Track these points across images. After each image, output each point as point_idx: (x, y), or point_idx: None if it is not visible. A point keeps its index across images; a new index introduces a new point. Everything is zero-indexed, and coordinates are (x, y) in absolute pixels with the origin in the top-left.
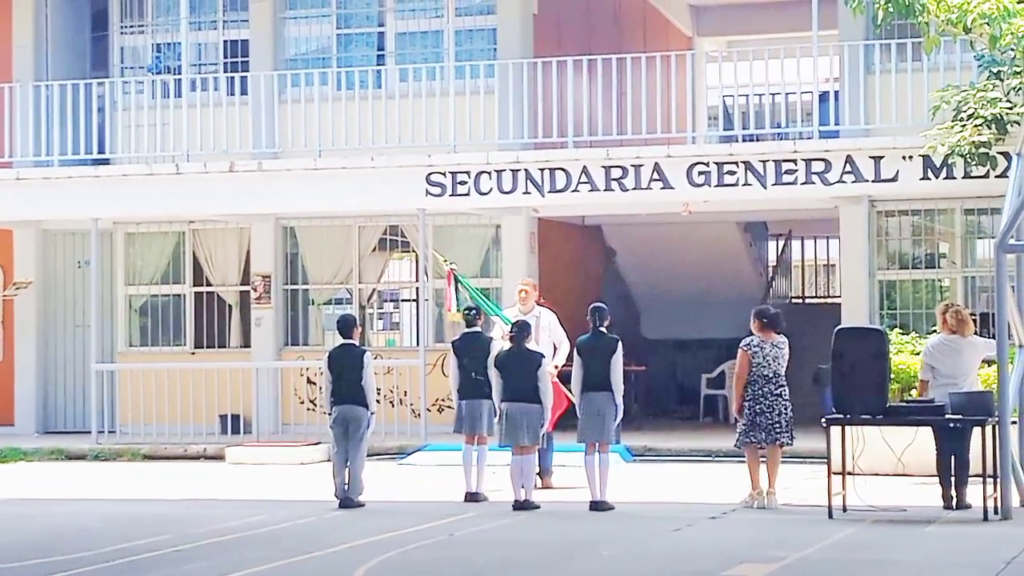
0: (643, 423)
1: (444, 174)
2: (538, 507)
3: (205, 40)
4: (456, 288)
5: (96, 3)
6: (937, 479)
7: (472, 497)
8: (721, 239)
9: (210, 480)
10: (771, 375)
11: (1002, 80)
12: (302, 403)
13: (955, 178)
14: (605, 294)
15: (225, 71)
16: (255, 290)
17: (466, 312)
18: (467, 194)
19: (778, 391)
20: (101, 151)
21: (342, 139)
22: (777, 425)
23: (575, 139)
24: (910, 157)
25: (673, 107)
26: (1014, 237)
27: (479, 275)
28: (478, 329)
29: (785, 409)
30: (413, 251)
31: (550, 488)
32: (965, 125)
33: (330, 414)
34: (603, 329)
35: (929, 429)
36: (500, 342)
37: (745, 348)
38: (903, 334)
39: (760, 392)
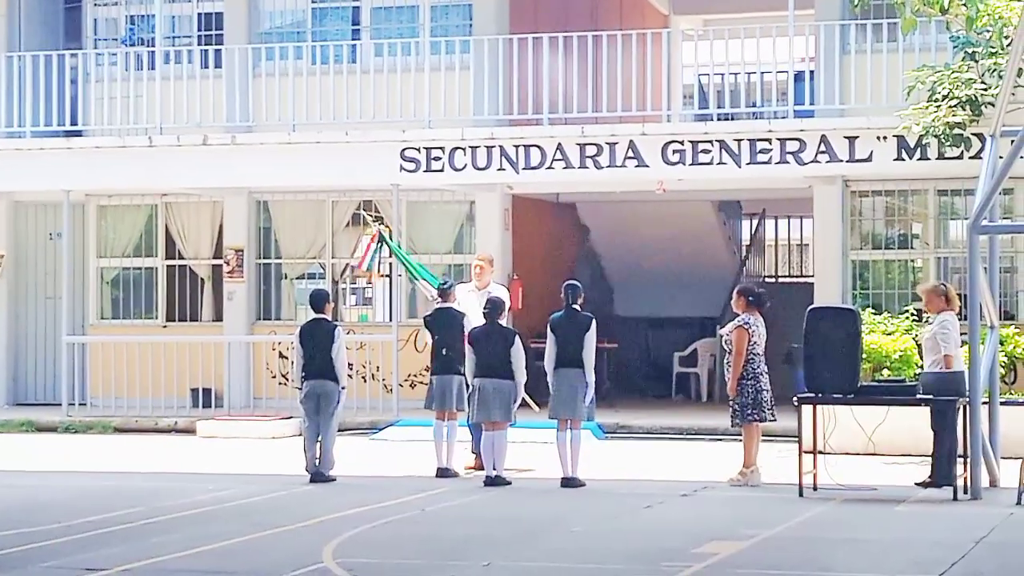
0: (615, 400)
1: (418, 150)
2: (510, 483)
3: (179, 12)
4: (379, 249)
5: None
6: (923, 459)
7: (443, 473)
8: (695, 217)
9: (181, 454)
10: (761, 353)
11: (977, 61)
12: (274, 377)
13: (929, 159)
14: (579, 271)
15: (199, 44)
16: (227, 264)
17: (441, 286)
18: (441, 170)
19: (766, 369)
20: (74, 123)
21: (316, 113)
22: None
23: (550, 116)
24: (884, 137)
25: (648, 85)
26: (987, 218)
27: (452, 251)
28: (450, 304)
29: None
30: (387, 226)
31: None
32: (940, 106)
33: (301, 389)
34: (577, 306)
35: (898, 409)
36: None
37: (746, 326)
38: (875, 314)
39: (758, 370)
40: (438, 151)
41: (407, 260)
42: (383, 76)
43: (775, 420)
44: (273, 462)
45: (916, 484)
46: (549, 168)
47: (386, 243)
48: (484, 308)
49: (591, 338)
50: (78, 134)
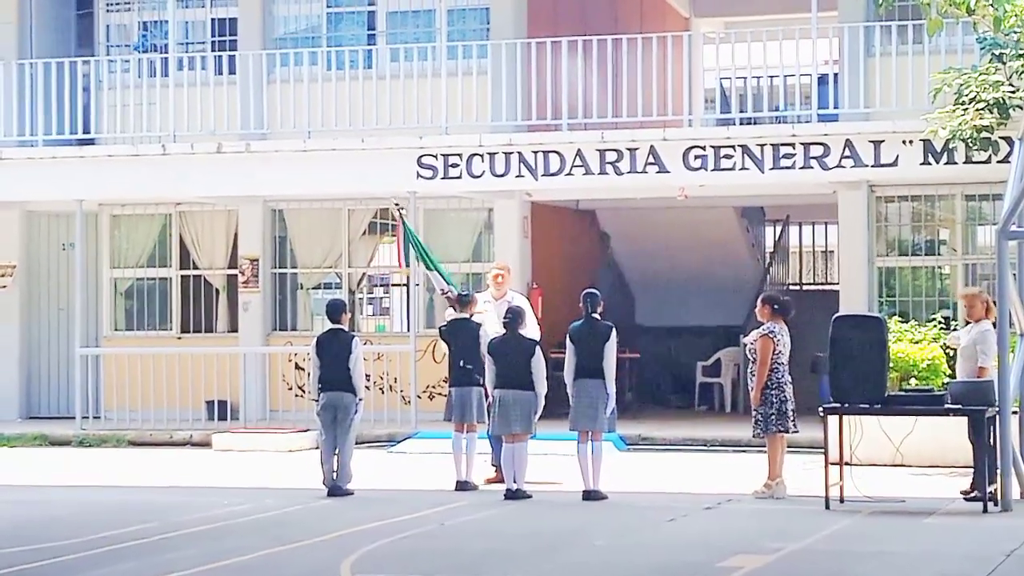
0: (637, 411)
1: (436, 156)
2: (530, 496)
3: (193, 18)
4: (407, 237)
5: None
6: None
7: (462, 486)
8: (717, 224)
9: (196, 467)
10: (786, 362)
11: (1004, 63)
12: (290, 389)
13: (956, 163)
14: (599, 280)
15: (213, 50)
16: (243, 274)
17: (461, 296)
18: (459, 177)
19: (790, 379)
20: (86, 131)
21: (332, 120)
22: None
23: (569, 121)
24: (910, 141)
25: (669, 89)
26: (1016, 223)
27: (470, 260)
28: (466, 315)
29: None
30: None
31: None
32: (967, 109)
33: (318, 401)
34: (596, 315)
35: (927, 420)
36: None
37: (771, 335)
38: (902, 322)
39: (783, 379)
40: (456, 158)
41: (423, 248)
42: (399, 82)
43: (797, 431)
44: (289, 475)
45: (961, 493)
46: (568, 174)
47: (406, 228)
48: (504, 317)
49: (611, 348)
50: (91, 142)
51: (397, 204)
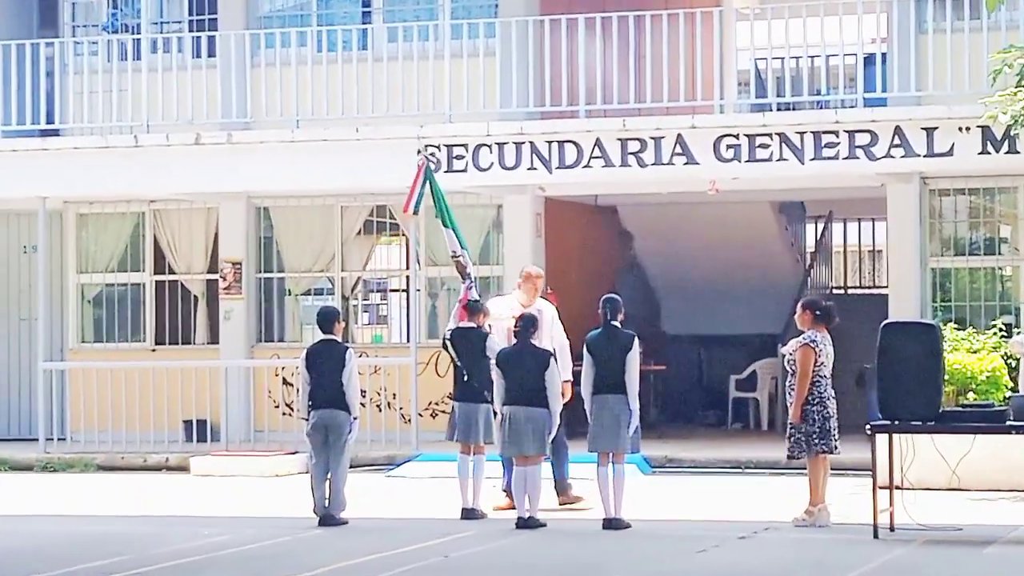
0: (663, 430)
1: (438, 147)
2: (544, 525)
3: None
4: (424, 185)
5: None
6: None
7: (469, 514)
8: (752, 222)
9: (173, 494)
10: (828, 375)
11: None
12: (277, 407)
13: (1018, 152)
14: (620, 284)
15: (190, 30)
16: (224, 279)
17: (469, 303)
18: (464, 170)
19: (834, 393)
20: (50, 121)
21: (323, 108)
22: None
23: (587, 108)
24: (967, 128)
25: (698, 72)
26: None
27: (477, 262)
28: (474, 324)
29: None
30: (403, 235)
31: (570, 505)
32: None
33: (308, 420)
34: (617, 323)
35: (986, 438)
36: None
37: (812, 345)
38: (959, 329)
39: (825, 394)
40: (460, 149)
41: (443, 200)
42: (397, 64)
43: (839, 452)
44: (277, 503)
45: None
46: (586, 167)
47: (430, 180)
48: (515, 326)
49: (634, 359)
50: (55, 133)
51: (428, 147)
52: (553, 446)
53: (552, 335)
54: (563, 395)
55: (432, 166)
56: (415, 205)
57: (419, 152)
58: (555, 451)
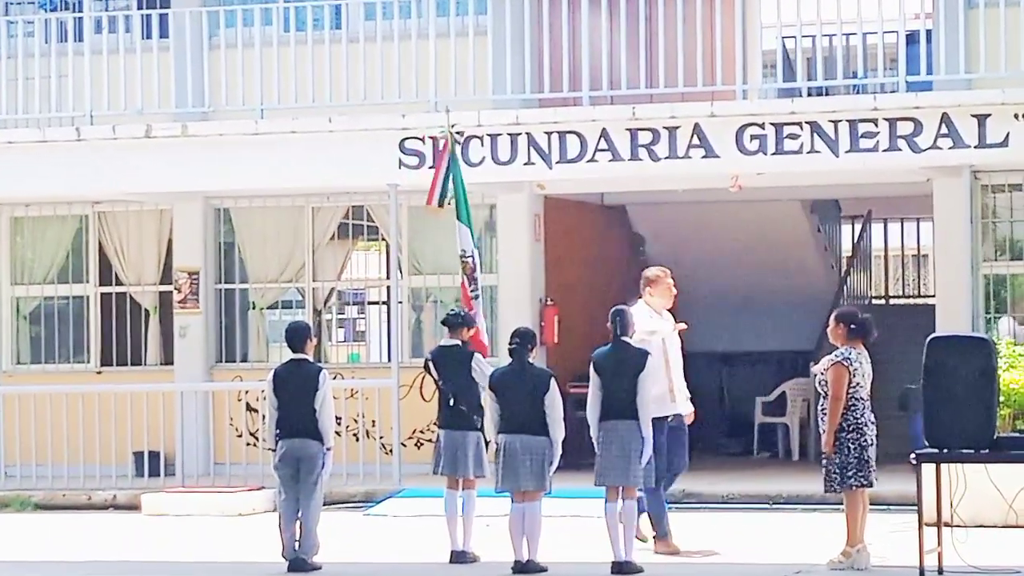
0: None
1: (423, 140)
2: (544, 570)
3: None
4: (448, 171)
5: None
6: None
7: (459, 557)
8: (780, 223)
9: (122, 536)
10: (866, 397)
11: None
12: (240, 436)
13: None
14: (631, 294)
15: (139, 8)
16: (179, 291)
17: (449, 313)
18: None
19: (873, 418)
20: None
21: (291, 95)
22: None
23: (592, 94)
24: (1023, 115)
25: (718, 52)
26: None
27: None
28: (458, 342)
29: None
30: (383, 239)
31: (672, 551)
32: None
33: (275, 451)
34: (628, 339)
35: None
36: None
37: (845, 363)
38: (1016, 344)
39: (863, 419)
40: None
41: (465, 199)
42: (376, 46)
43: (872, 485)
44: (240, 546)
45: None
46: (591, 161)
47: (452, 159)
48: (511, 342)
49: (647, 380)
50: None
51: (454, 126)
52: (672, 481)
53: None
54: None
55: (458, 144)
56: (440, 196)
57: (440, 131)
58: (650, 490)
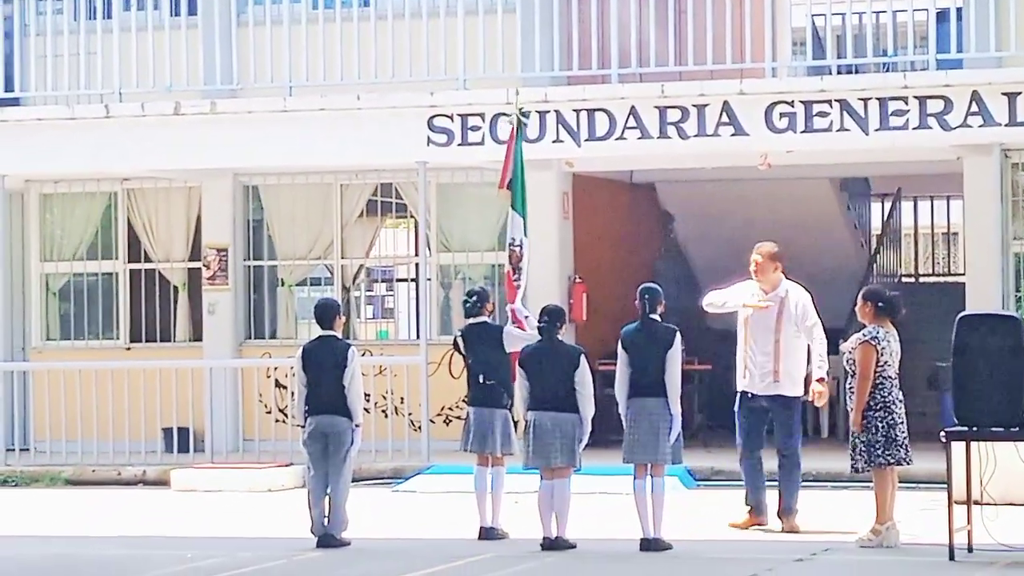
0: (708, 438)
1: (451, 118)
2: (573, 547)
3: None
4: (516, 157)
5: None
6: None
7: (488, 533)
8: (809, 201)
9: (151, 511)
10: (894, 375)
11: None
12: (269, 413)
13: None
14: (659, 272)
15: None
16: (208, 267)
17: (465, 300)
18: (481, 143)
19: (901, 396)
20: (9, 88)
21: (319, 73)
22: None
23: (620, 71)
24: None
25: (747, 30)
26: None
27: (496, 247)
28: (484, 319)
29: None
30: (411, 216)
31: (794, 531)
32: None
33: (304, 427)
34: (656, 317)
35: None
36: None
37: (873, 342)
38: None
39: (890, 397)
40: (476, 119)
41: (523, 185)
42: (404, 23)
43: (910, 463)
44: (269, 522)
45: None
46: (620, 139)
47: (519, 143)
48: (540, 320)
49: (675, 358)
50: (15, 103)
51: (522, 109)
52: (788, 462)
53: (802, 320)
54: (819, 397)
55: (525, 124)
56: (513, 173)
57: (521, 111)
58: (788, 468)
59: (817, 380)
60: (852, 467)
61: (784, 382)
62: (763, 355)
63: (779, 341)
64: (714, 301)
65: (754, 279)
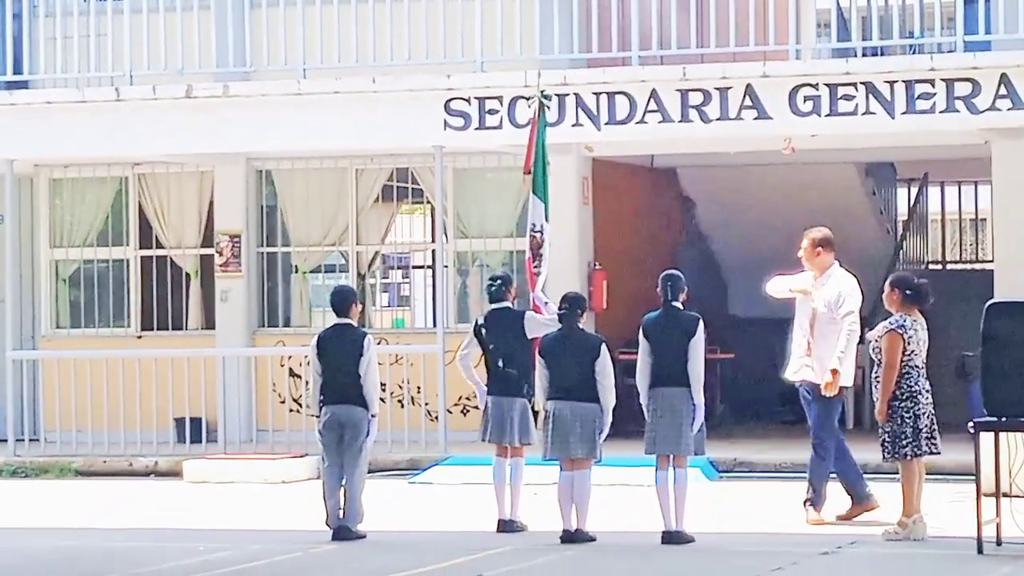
0: (732, 428)
1: (468, 101)
2: (593, 539)
3: None
4: (539, 139)
5: None
6: None
7: (506, 526)
8: (834, 186)
9: (163, 503)
10: (921, 365)
11: None
12: (283, 403)
13: None
14: (681, 258)
15: None
16: (220, 254)
17: (489, 284)
18: (499, 127)
19: (929, 386)
20: (18, 71)
21: (333, 55)
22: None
23: (641, 54)
24: None
25: (771, 11)
26: None
27: (514, 234)
28: (507, 304)
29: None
30: (428, 202)
31: (820, 524)
32: None
33: (319, 417)
34: (678, 304)
35: None
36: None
37: (899, 330)
38: None
39: (917, 387)
40: (494, 102)
41: (545, 169)
42: (421, 4)
43: (939, 453)
44: (284, 513)
45: None
46: (640, 122)
47: (542, 126)
48: (560, 308)
49: (698, 346)
50: (23, 85)
51: (544, 92)
52: (814, 453)
53: (839, 306)
54: (827, 388)
55: (547, 108)
56: (537, 156)
57: (543, 94)
58: (814, 459)
59: (830, 371)
60: (884, 457)
61: (814, 369)
62: (801, 341)
63: (812, 328)
64: (774, 287)
65: (809, 264)
